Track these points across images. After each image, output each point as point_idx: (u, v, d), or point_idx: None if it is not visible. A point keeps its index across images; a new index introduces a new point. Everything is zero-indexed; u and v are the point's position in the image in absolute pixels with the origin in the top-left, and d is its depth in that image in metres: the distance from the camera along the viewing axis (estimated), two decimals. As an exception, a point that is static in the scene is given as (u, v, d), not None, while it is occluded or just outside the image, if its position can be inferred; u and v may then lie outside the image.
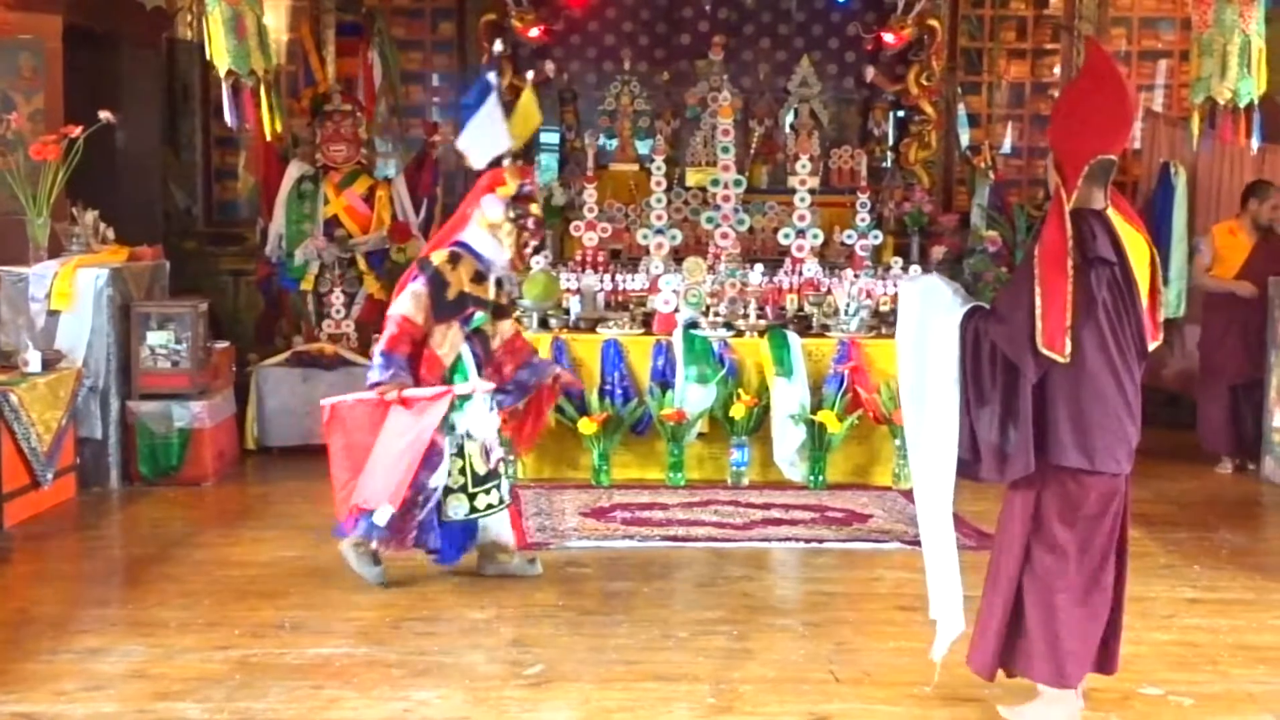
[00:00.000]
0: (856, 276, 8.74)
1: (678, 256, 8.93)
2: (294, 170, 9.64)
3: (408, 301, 5.90)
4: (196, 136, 10.51)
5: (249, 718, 4.52)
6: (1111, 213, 4.32)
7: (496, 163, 6.20)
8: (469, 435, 6.01)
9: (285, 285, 9.59)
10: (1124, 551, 4.48)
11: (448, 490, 5.98)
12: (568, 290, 8.57)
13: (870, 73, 10.52)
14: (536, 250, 8.19)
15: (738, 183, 9.18)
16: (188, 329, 8.10)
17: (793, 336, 8.22)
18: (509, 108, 6.31)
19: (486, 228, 6.06)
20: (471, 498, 6.05)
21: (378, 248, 9.60)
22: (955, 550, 4.48)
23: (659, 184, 9.12)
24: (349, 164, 9.66)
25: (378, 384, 5.83)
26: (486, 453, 6.10)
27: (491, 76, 6.33)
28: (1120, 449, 4.29)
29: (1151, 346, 4.41)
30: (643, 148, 10.43)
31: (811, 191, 9.22)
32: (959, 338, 4.33)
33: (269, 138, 7.69)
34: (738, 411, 7.99)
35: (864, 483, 8.20)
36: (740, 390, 8.06)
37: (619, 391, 8.18)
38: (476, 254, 6.04)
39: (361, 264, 9.58)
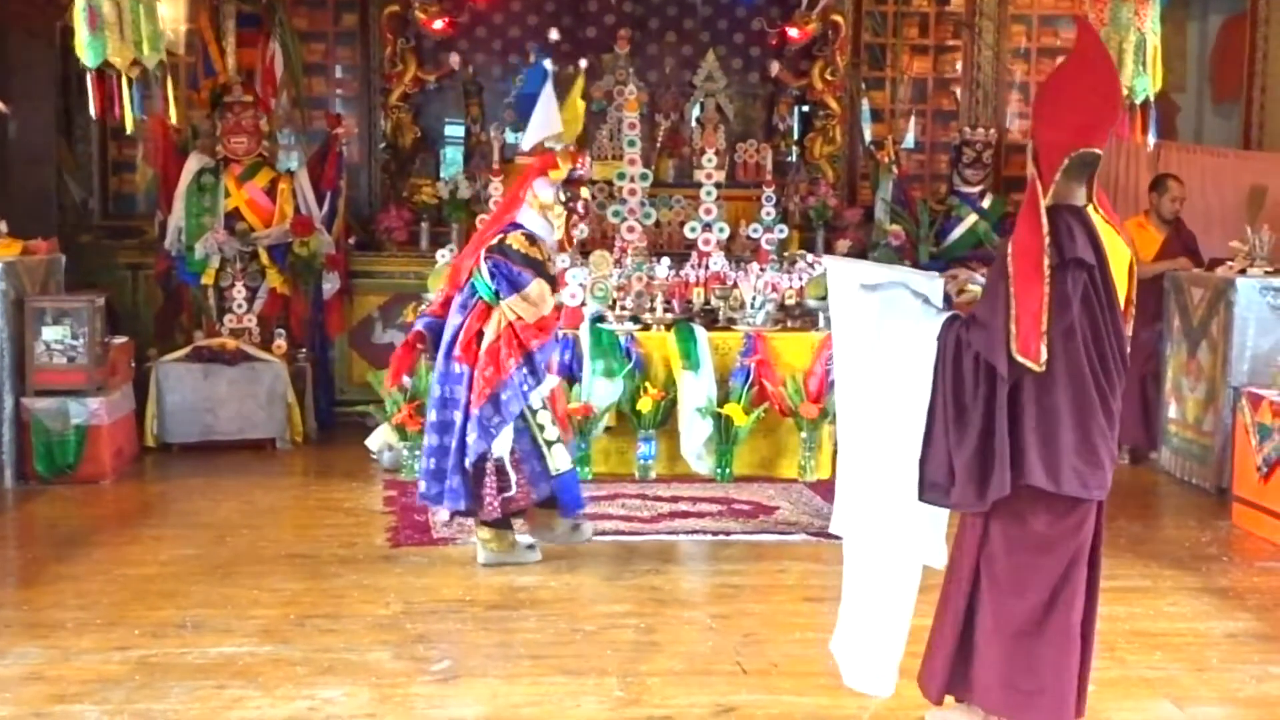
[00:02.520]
0: (762, 270, 8.78)
1: (584, 250, 8.91)
2: (193, 163, 9.50)
3: (540, 288, 6.07)
4: (92, 128, 10.24)
5: (149, 719, 4.44)
6: (1091, 211, 4.01)
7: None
8: (543, 404, 6.29)
9: (185, 279, 9.45)
10: (1094, 586, 4.13)
11: (549, 443, 6.19)
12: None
13: (775, 68, 10.57)
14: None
15: (644, 176, 9.19)
16: (84, 324, 7.95)
17: (699, 330, 8.24)
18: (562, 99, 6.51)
19: (538, 209, 6.21)
20: (566, 447, 6.29)
21: (280, 241, 9.49)
22: (909, 605, 4.22)
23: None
24: (250, 156, 9.54)
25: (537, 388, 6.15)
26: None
27: (547, 63, 6.52)
28: (1091, 474, 3.96)
29: None
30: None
31: (717, 185, 9.25)
32: (937, 348, 4.00)
33: (128, 130, 7.51)
34: (645, 405, 8.00)
35: (770, 475, 8.24)
36: (647, 384, 8.07)
37: (526, 386, 8.14)
38: (531, 233, 6.17)
39: (264, 258, 9.47)
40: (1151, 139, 8.29)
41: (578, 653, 5.15)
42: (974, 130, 10.24)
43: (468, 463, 6.05)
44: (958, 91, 11.23)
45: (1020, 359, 3.84)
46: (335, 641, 5.21)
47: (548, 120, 6.52)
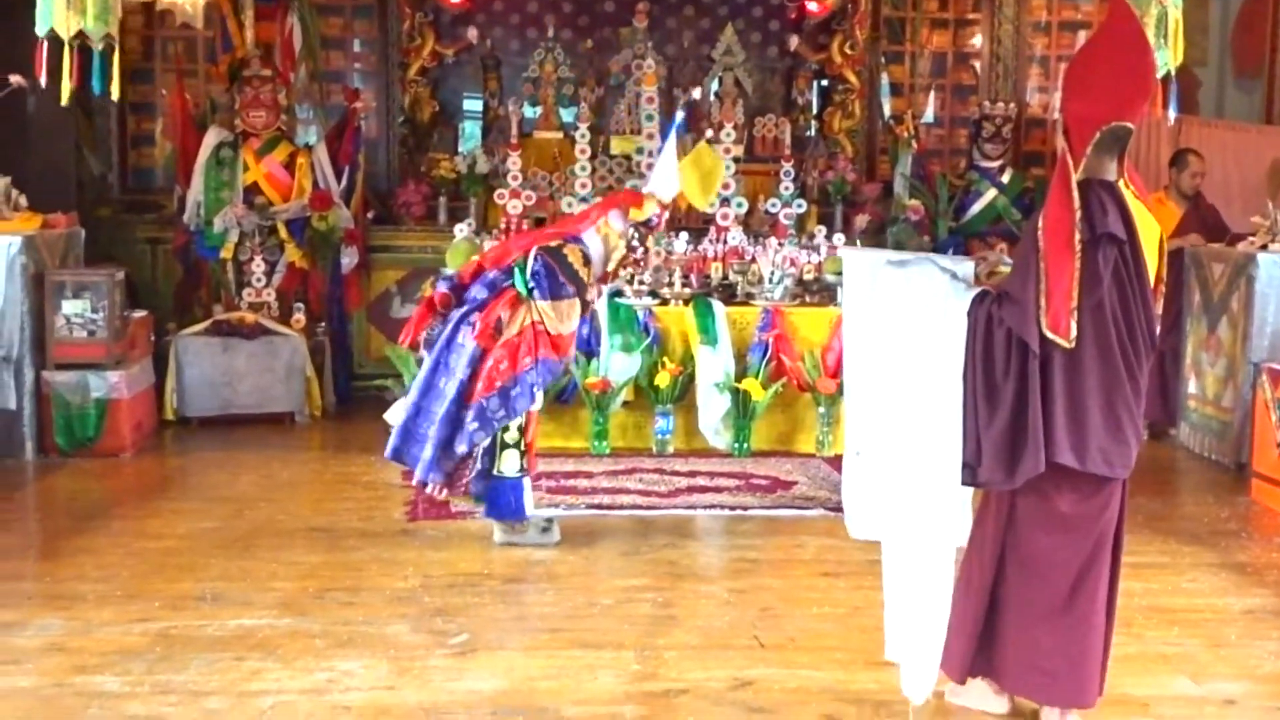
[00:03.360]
0: (780, 245, 8.77)
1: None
2: (212, 137, 9.51)
3: (569, 321, 6.08)
4: (110, 101, 10.26)
5: (169, 690, 4.47)
6: (1123, 187, 3.96)
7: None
8: None
9: (204, 254, 9.46)
10: (1116, 567, 4.12)
11: (504, 445, 6.12)
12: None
13: (794, 41, 10.53)
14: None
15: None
16: (104, 298, 7.97)
17: (717, 305, 8.24)
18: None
19: (603, 237, 6.24)
20: (522, 455, 6.19)
21: (298, 216, 9.49)
22: (949, 591, 4.11)
23: (583, 152, 9.10)
24: (268, 130, 9.54)
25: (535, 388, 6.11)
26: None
27: (680, 115, 6.63)
28: (1115, 451, 3.93)
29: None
30: (566, 115, 10.38)
31: (736, 160, 9.24)
32: (968, 325, 3.94)
33: (63, 101, 7.35)
34: (662, 380, 8.00)
35: (788, 450, 8.24)
36: (665, 359, 8.07)
37: (543, 360, 8.15)
38: (589, 253, 6.20)
39: (282, 232, 9.48)
40: (1172, 114, 8.22)
41: (595, 626, 5.16)
42: (993, 105, 10.20)
43: (462, 449, 6.00)
44: (977, 66, 11.18)
45: (1050, 335, 3.82)
46: (354, 614, 5.24)
47: (668, 177, 6.54)
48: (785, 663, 4.79)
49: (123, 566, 5.83)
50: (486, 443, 6.06)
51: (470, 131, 10.99)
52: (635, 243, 6.33)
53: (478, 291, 6.16)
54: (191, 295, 9.70)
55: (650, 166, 8.98)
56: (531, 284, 6.03)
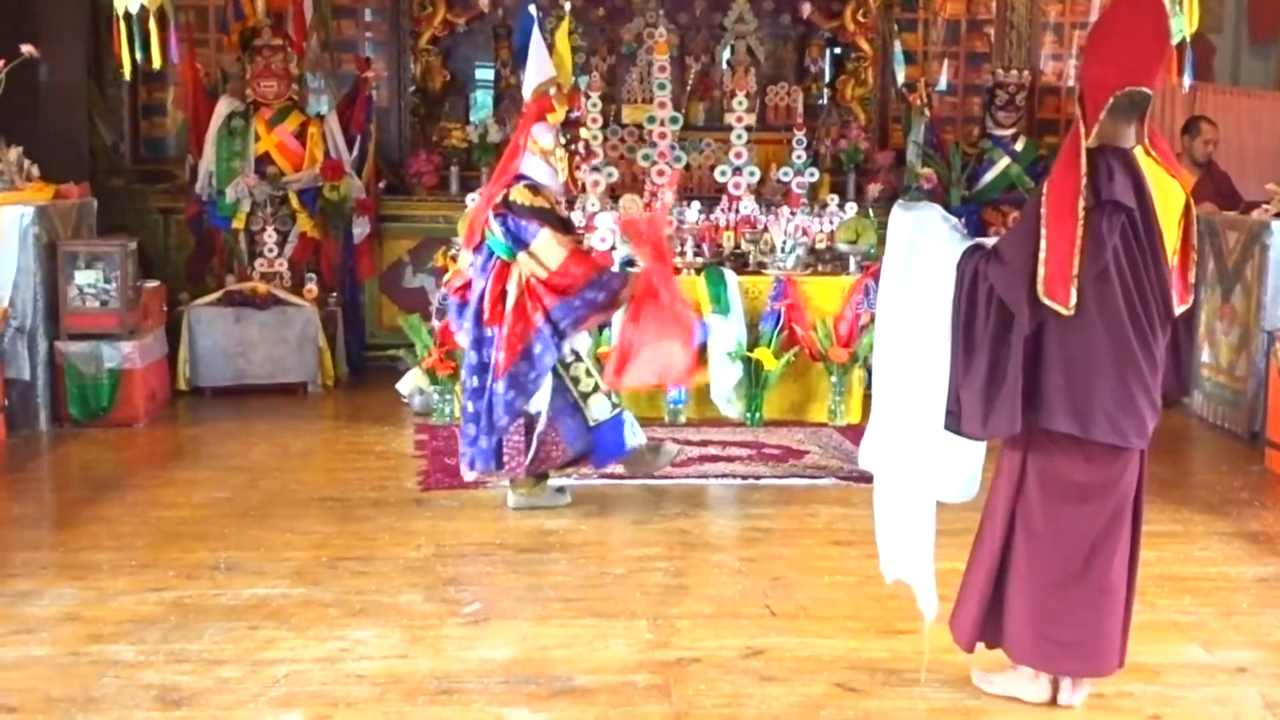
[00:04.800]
0: (793, 214, 8.74)
1: (614, 194, 8.89)
2: (223, 106, 9.48)
3: (549, 239, 6.00)
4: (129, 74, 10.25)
5: (184, 659, 4.50)
6: (1141, 154, 3.91)
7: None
8: (576, 355, 6.29)
9: (216, 224, 9.47)
10: (1136, 538, 4.08)
11: (585, 396, 6.21)
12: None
13: (806, 9, 10.45)
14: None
15: (674, 120, 9.14)
16: (116, 268, 7.99)
17: (729, 274, 8.22)
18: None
19: (539, 154, 6.19)
20: (608, 395, 6.28)
21: (310, 186, 9.48)
22: (931, 523, 4.15)
23: (595, 121, 9.06)
24: (280, 100, 9.52)
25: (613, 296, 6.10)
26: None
27: (532, 9, 6.80)
28: (1127, 421, 3.88)
29: (1180, 309, 4.03)
30: (579, 84, 10.33)
31: (748, 129, 9.20)
32: (955, 276, 3.93)
33: (126, 75, 7.49)
34: (674, 349, 7.98)
35: (800, 419, 8.24)
36: (677, 328, 8.05)
37: (555, 330, 8.16)
38: (535, 182, 6.14)
39: (294, 202, 9.47)
40: (1187, 80, 8.18)
41: (607, 595, 5.18)
42: (1007, 73, 10.14)
43: (504, 421, 6.07)
44: (991, 33, 11.09)
45: (1047, 301, 3.78)
46: (367, 584, 5.26)
47: (540, 66, 6.51)
48: (797, 631, 4.81)
49: (137, 536, 5.86)
50: (540, 414, 6.11)
51: (482, 101, 10.95)
52: (572, 144, 6.27)
53: (476, 282, 6.18)
54: (204, 265, 9.71)
55: (662, 135, 8.97)
56: (509, 244, 6.03)
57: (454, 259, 8.47)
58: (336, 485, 6.77)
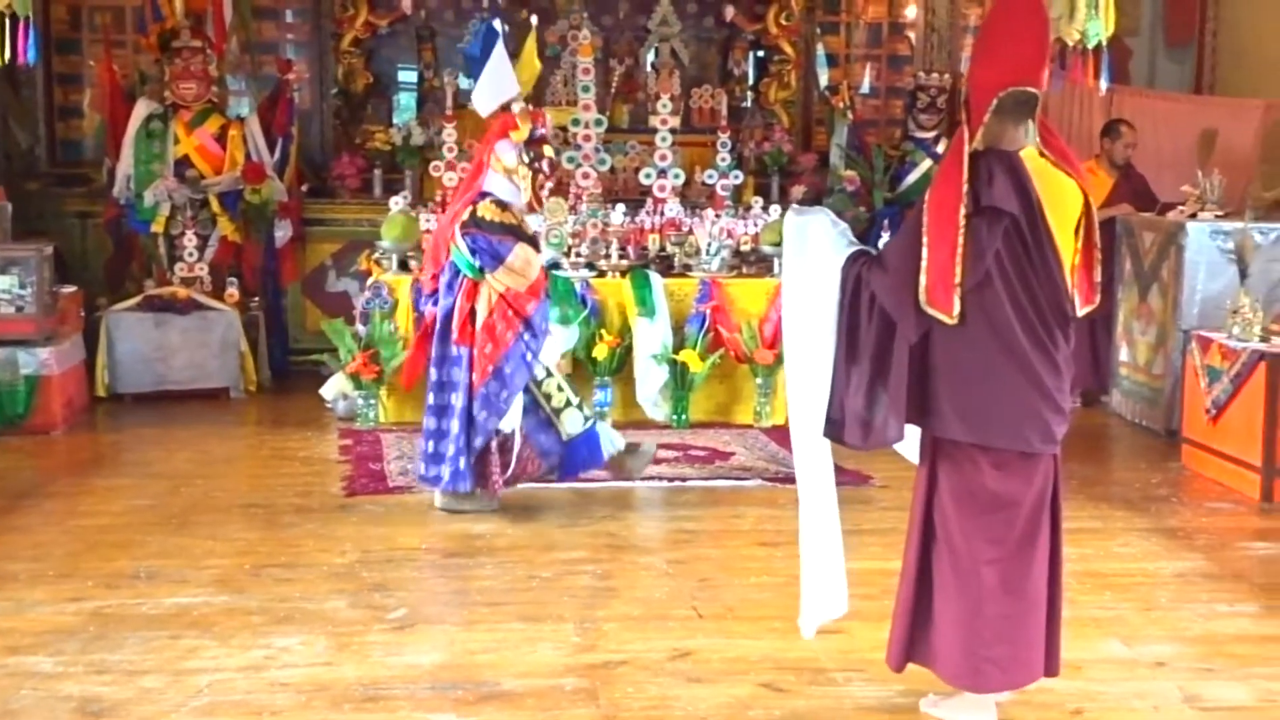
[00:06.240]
0: (718, 216, 8.77)
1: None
2: (142, 108, 9.36)
3: (524, 254, 6.03)
4: (38, 72, 10.09)
5: (104, 670, 4.42)
6: (1030, 154, 3.83)
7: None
8: (547, 371, 6.32)
9: (135, 227, 9.35)
10: (1056, 545, 3.98)
11: (557, 411, 6.26)
12: (427, 231, 8.48)
13: (730, 12, 10.49)
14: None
15: (598, 122, 9.14)
16: (32, 273, 7.86)
17: (655, 276, 8.23)
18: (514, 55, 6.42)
19: (503, 172, 6.17)
20: (580, 408, 6.34)
21: (231, 189, 9.38)
22: (836, 525, 4.06)
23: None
24: (200, 102, 9.41)
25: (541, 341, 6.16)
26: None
27: (497, 23, 6.45)
28: (1029, 426, 3.80)
29: (1083, 311, 3.93)
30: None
31: (673, 131, 9.22)
32: (839, 282, 3.86)
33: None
34: (600, 352, 7.99)
35: (726, 421, 8.27)
36: (603, 331, 8.06)
37: (481, 333, 8.14)
38: (499, 200, 6.11)
39: (215, 205, 9.37)
40: (1104, 84, 8.32)
41: (535, 599, 5.16)
42: (928, 75, 10.24)
43: (478, 441, 6.07)
44: (912, 36, 11.20)
45: (930, 310, 3.73)
46: (291, 591, 5.21)
47: (502, 83, 6.47)
48: (724, 632, 4.82)
49: (55, 545, 5.76)
50: (514, 429, 6.14)
51: (405, 103, 10.89)
52: (536, 162, 6.26)
53: (444, 300, 6.19)
54: (123, 270, 9.58)
55: (587, 138, 8.96)
56: (477, 262, 6.01)
57: (377, 263, 8.46)
58: (260, 491, 6.70)
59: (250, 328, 9.21)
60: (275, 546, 5.79)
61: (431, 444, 6.22)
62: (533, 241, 6.32)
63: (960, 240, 3.69)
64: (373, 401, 8.00)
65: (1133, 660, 4.65)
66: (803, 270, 3.98)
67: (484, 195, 6.12)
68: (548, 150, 6.36)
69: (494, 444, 6.14)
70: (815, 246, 3.96)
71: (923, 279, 3.73)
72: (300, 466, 7.23)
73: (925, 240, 3.74)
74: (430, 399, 6.23)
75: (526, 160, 6.19)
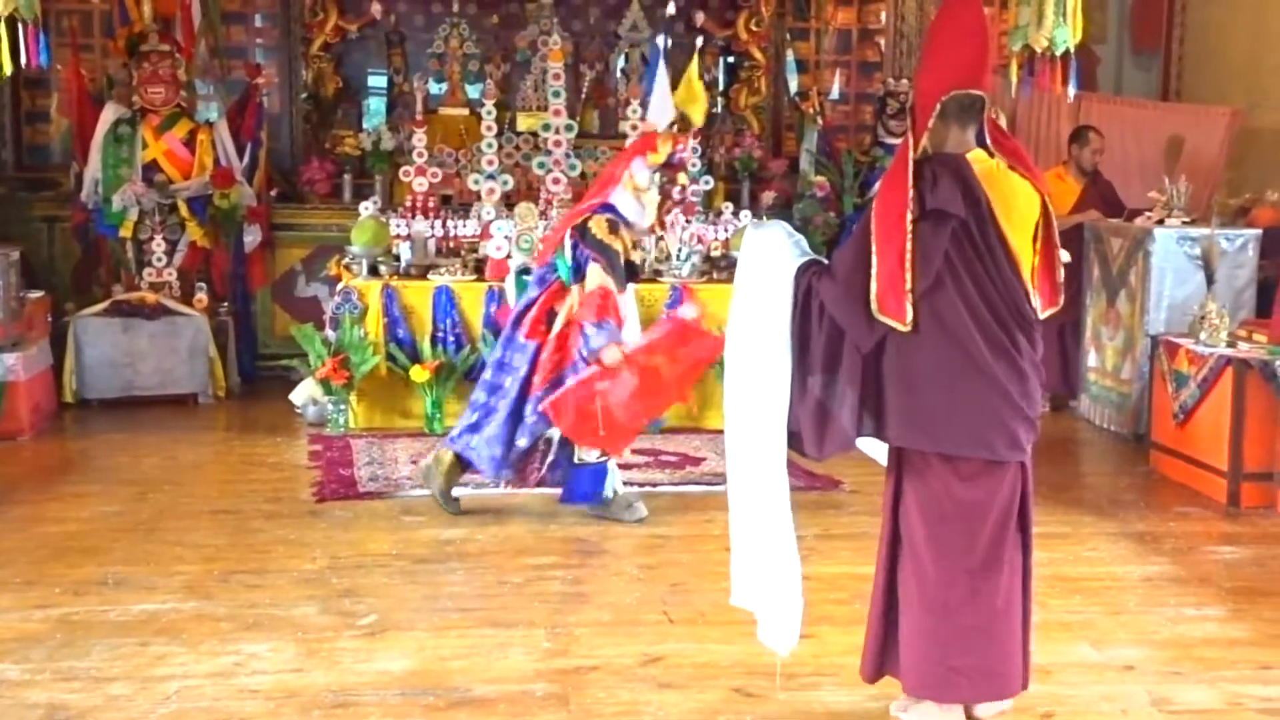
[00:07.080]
0: (688, 222, 8.78)
1: (509, 202, 8.86)
2: (110, 113, 9.30)
3: (599, 277, 5.95)
4: (3, 76, 10.00)
5: (72, 677, 4.40)
6: (979, 156, 3.81)
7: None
8: None
9: (103, 232, 9.28)
10: (1026, 555, 3.93)
11: None
12: (397, 236, 8.48)
13: (700, 18, 10.50)
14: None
15: (569, 127, 9.13)
16: (-2, 278, 7.80)
17: (625, 282, 8.22)
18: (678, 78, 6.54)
19: (632, 191, 6.12)
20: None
21: (200, 193, 9.33)
22: (794, 547, 4.01)
23: (489, 128, 9.02)
24: (168, 107, 9.36)
25: (597, 350, 5.90)
26: None
27: (660, 40, 6.50)
28: (993, 433, 3.74)
29: (1046, 313, 3.88)
30: (473, 91, 10.28)
31: (643, 136, 9.20)
32: (790, 294, 3.83)
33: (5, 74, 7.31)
34: (571, 357, 7.97)
35: (697, 426, 8.27)
36: (573, 336, 8.04)
37: (451, 339, 8.14)
38: (622, 216, 6.08)
39: (183, 210, 9.31)
40: (1072, 90, 8.37)
41: (505, 605, 5.15)
42: (898, 81, 10.27)
43: (523, 442, 6.12)
44: (882, 43, 11.24)
45: (884, 319, 3.70)
46: (260, 597, 5.18)
47: (664, 102, 6.49)
48: (695, 638, 4.82)
49: (21, 552, 5.72)
50: (555, 434, 6.16)
51: (375, 108, 10.87)
52: (668, 185, 6.26)
53: (530, 290, 6.23)
54: (90, 275, 9.53)
55: (557, 143, 8.96)
56: (571, 268, 6.05)
57: (347, 268, 8.43)
58: (229, 497, 6.67)
59: (219, 333, 9.16)
60: (244, 552, 5.76)
61: (476, 415, 6.23)
62: (633, 268, 6.34)
63: (909, 246, 3.66)
64: (343, 407, 7.97)
65: (1102, 664, 4.67)
66: (754, 281, 3.95)
67: (606, 208, 6.08)
68: (682, 178, 6.38)
69: (540, 444, 6.21)
70: (768, 257, 3.94)
71: (873, 287, 3.69)
72: (270, 472, 7.20)
73: (874, 248, 3.70)
74: (488, 374, 6.28)
75: (660, 183, 6.21)
